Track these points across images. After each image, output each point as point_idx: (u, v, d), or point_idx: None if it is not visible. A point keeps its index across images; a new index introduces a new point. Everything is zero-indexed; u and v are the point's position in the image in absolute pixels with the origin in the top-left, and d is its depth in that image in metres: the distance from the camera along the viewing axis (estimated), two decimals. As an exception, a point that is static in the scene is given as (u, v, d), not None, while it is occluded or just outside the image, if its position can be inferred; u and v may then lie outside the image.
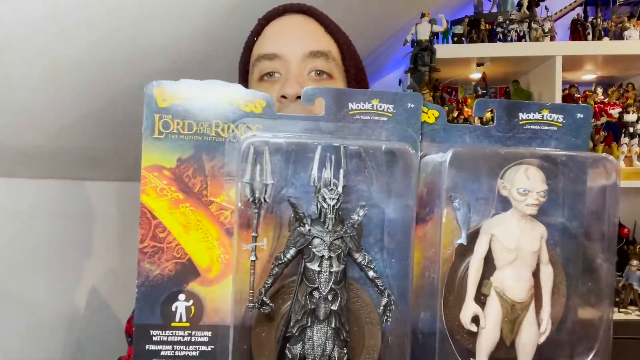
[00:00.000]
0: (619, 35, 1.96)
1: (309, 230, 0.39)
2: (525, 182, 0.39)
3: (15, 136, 0.95)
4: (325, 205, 0.39)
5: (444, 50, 1.89)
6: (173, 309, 0.41)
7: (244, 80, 0.80)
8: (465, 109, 2.15)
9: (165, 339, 0.42)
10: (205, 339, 0.41)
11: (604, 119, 2.01)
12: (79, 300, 1.27)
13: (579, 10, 2.23)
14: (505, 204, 0.41)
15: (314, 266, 0.39)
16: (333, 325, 0.39)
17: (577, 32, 2.01)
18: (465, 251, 0.40)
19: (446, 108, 1.99)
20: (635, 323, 1.78)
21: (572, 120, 0.43)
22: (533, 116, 0.43)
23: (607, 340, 0.40)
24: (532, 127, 0.43)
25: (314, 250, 0.39)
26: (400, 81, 2.41)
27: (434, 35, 1.87)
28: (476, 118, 2.04)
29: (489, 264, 0.40)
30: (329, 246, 0.39)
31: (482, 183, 0.42)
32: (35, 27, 0.74)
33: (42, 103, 0.90)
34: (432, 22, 1.84)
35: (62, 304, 1.22)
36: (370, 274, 0.40)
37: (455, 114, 2.03)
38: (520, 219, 0.40)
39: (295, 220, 0.40)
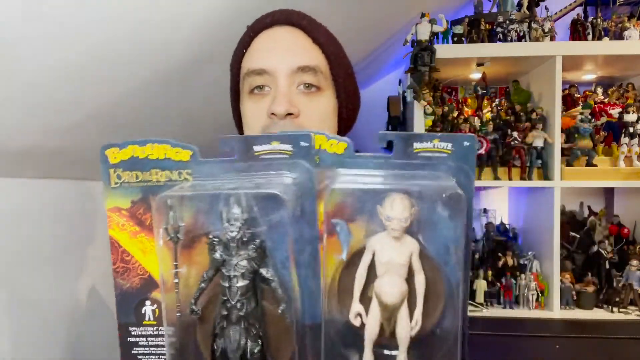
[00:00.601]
0: (619, 35, 1.96)
1: (220, 255, 0.52)
2: (390, 211, 0.49)
3: (15, 136, 0.95)
4: (228, 237, 0.51)
5: (444, 50, 1.89)
6: (142, 311, 0.56)
7: (236, 89, 0.81)
8: (465, 109, 2.16)
9: (140, 333, 0.56)
10: (170, 332, 0.54)
11: (604, 119, 2.01)
12: (80, 300, 1.27)
13: (579, 10, 2.23)
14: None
15: (225, 283, 0.52)
16: (242, 326, 0.52)
17: (577, 32, 2.01)
18: (355, 262, 0.51)
19: (446, 108, 1.99)
20: (635, 323, 1.78)
21: (460, 147, 0.50)
22: (426, 145, 0.51)
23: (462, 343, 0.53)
24: (425, 154, 0.51)
25: (223, 270, 0.52)
26: (400, 81, 2.41)
27: (434, 35, 1.88)
28: (476, 118, 2.04)
29: (372, 272, 0.51)
30: (234, 267, 0.51)
31: (366, 212, 0.51)
32: (35, 27, 0.74)
33: (42, 103, 0.90)
34: (432, 22, 1.84)
35: (62, 304, 1.22)
36: (272, 285, 0.52)
37: (455, 114, 2.03)
38: (392, 238, 0.50)
39: (210, 249, 0.52)
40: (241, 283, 0.51)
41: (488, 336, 1.66)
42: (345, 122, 0.82)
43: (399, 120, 2.37)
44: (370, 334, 0.50)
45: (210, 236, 0.52)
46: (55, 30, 0.77)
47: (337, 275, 0.51)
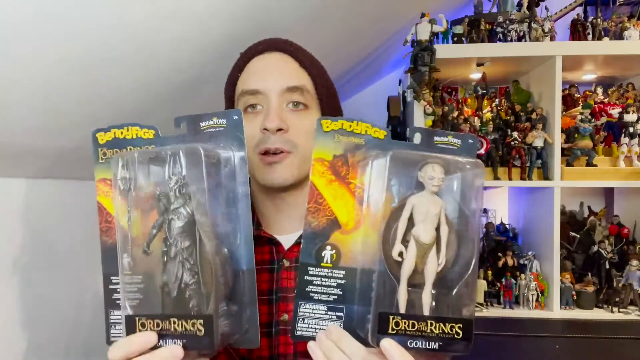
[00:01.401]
0: (619, 35, 1.96)
1: (164, 204, 0.62)
2: (432, 172, 0.64)
3: (15, 136, 0.95)
4: (168, 187, 0.62)
5: (444, 50, 1.89)
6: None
7: (230, 107, 0.90)
8: (465, 109, 2.16)
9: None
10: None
11: (604, 119, 2.01)
12: (80, 300, 1.27)
13: (579, 10, 2.23)
14: (420, 188, 0.65)
15: (165, 225, 0.62)
16: (179, 260, 0.61)
17: (577, 32, 2.01)
18: (397, 214, 0.65)
19: (446, 108, 1.99)
20: (635, 323, 1.78)
21: (466, 143, 0.67)
22: (443, 139, 0.67)
23: (474, 276, 0.65)
24: (442, 146, 0.67)
25: (165, 215, 0.62)
26: (400, 81, 2.41)
27: (434, 35, 1.88)
28: (476, 118, 2.04)
29: (411, 222, 0.64)
30: (172, 211, 0.62)
31: (408, 173, 0.66)
32: (35, 27, 0.74)
33: (42, 103, 0.90)
34: (432, 22, 1.84)
35: (62, 304, 1.22)
36: (204, 228, 0.62)
37: (455, 114, 2.03)
38: (429, 195, 0.65)
39: (157, 200, 0.63)
40: (178, 224, 0.61)
41: (488, 336, 1.66)
42: None
43: (399, 120, 2.37)
44: (407, 268, 0.63)
45: (157, 191, 0.63)
46: (56, 31, 0.77)
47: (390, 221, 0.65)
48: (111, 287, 0.66)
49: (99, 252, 0.68)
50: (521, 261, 1.99)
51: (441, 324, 0.62)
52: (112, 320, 0.67)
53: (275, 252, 0.84)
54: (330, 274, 0.65)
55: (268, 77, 0.83)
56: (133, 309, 0.62)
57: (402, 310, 0.62)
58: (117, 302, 0.65)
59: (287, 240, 0.85)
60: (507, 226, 2.24)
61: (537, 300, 1.88)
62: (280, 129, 0.80)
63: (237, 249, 0.64)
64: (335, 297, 0.65)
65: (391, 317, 0.61)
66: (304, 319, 0.65)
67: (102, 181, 0.68)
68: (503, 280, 1.92)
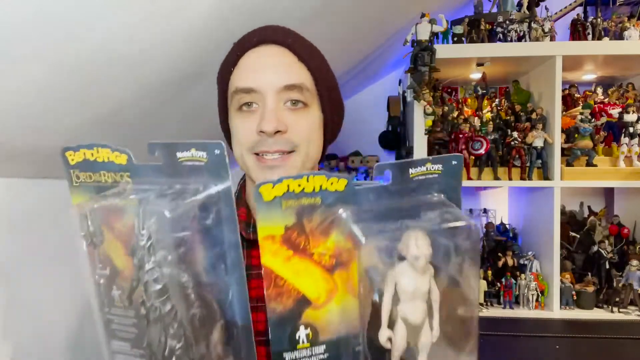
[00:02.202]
0: (619, 35, 1.96)
1: (138, 261, 0.53)
2: (415, 250, 0.52)
3: (15, 136, 0.95)
4: (140, 244, 0.52)
5: (444, 50, 1.89)
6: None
7: (224, 105, 0.83)
8: (465, 109, 2.16)
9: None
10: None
11: (604, 119, 2.01)
12: (80, 300, 1.27)
13: (579, 10, 2.23)
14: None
15: (141, 286, 0.53)
16: (160, 326, 0.53)
17: (577, 32, 2.01)
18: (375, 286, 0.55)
19: (446, 108, 1.99)
20: (635, 323, 1.78)
21: (449, 166, 0.57)
22: (420, 170, 0.56)
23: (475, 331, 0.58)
24: (420, 178, 0.56)
25: (139, 274, 0.53)
26: (400, 81, 2.41)
27: (434, 35, 1.87)
28: (476, 118, 2.05)
29: (396, 297, 0.54)
30: (147, 272, 0.52)
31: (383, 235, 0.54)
32: (35, 27, 0.74)
33: (42, 103, 0.90)
34: (432, 22, 1.84)
35: (62, 304, 1.22)
36: (187, 292, 0.54)
37: (455, 114, 2.03)
38: (414, 269, 0.54)
39: (131, 255, 0.54)
40: (154, 287, 0.52)
41: (488, 336, 1.66)
42: (331, 133, 0.85)
43: (399, 120, 2.37)
44: (398, 349, 0.55)
45: (129, 244, 0.53)
46: (56, 31, 0.77)
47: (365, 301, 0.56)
48: (109, 316, 0.59)
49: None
50: (521, 261, 1.99)
51: None
52: (113, 349, 0.59)
53: None
54: (310, 354, 0.57)
55: (264, 74, 0.76)
56: (130, 342, 0.56)
57: None
58: (116, 331, 0.59)
59: None
60: (507, 226, 2.24)
61: (537, 300, 1.88)
62: (277, 131, 0.75)
63: (230, 306, 0.56)
64: None
65: None
66: None
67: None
68: (503, 280, 1.92)
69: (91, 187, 0.59)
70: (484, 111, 2.14)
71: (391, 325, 0.55)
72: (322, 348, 0.57)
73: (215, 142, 0.54)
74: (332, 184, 0.54)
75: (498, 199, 2.41)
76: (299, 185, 0.54)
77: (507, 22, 1.96)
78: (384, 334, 0.54)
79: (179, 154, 0.55)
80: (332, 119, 0.84)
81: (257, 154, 0.77)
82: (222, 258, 0.55)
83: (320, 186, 0.54)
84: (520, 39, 1.96)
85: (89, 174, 0.59)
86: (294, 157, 0.77)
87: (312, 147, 0.79)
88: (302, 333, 0.56)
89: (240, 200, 0.85)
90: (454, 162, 0.57)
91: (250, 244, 0.79)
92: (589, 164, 1.92)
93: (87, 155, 0.58)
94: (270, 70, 0.77)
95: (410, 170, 0.56)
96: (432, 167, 0.56)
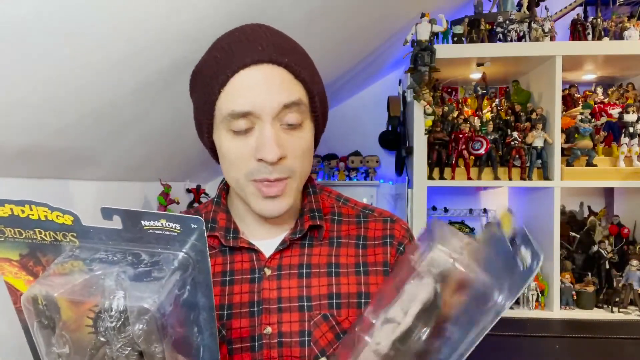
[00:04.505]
0: (619, 35, 1.96)
1: (102, 337, 0.49)
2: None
3: (15, 135, 0.95)
4: (107, 326, 0.48)
5: (444, 50, 1.89)
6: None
7: (208, 120, 0.75)
8: (465, 109, 2.16)
9: None
10: None
11: (604, 119, 2.01)
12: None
13: (579, 10, 2.23)
14: None
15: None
16: None
17: (577, 32, 2.01)
18: None
19: (446, 108, 1.99)
20: (635, 323, 1.78)
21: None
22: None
23: None
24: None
25: (107, 351, 0.49)
26: (400, 81, 2.41)
27: (434, 35, 1.88)
28: (476, 118, 2.05)
29: None
30: (116, 350, 0.48)
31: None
32: (35, 27, 0.74)
33: (42, 103, 0.90)
34: (432, 22, 1.84)
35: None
36: None
37: (455, 114, 2.03)
38: None
39: (92, 332, 0.49)
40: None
41: (488, 336, 1.66)
42: (316, 145, 0.81)
43: (399, 120, 2.37)
44: None
45: (89, 323, 0.48)
46: (56, 31, 0.77)
47: None
48: None
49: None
50: (521, 261, 1.99)
51: None
52: None
53: (256, 259, 0.76)
54: None
55: (260, 96, 0.69)
56: None
57: None
58: None
59: (267, 246, 0.76)
60: (507, 226, 2.24)
61: (537, 300, 1.89)
62: (281, 159, 0.70)
63: None
64: None
65: None
66: None
67: (6, 261, 0.53)
68: (503, 280, 1.92)
69: (22, 244, 0.52)
70: (484, 111, 2.14)
71: None
72: None
73: (195, 218, 0.49)
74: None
75: (498, 199, 2.41)
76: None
77: (507, 22, 1.96)
78: None
79: (145, 222, 0.50)
80: (320, 131, 0.80)
81: (254, 180, 0.71)
82: (195, 321, 0.52)
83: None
84: (520, 39, 1.96)
85: (19, 230, 0.52)
86: (290, 184, 0.72)
87: (306, 168, 0.75)
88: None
89: (220, 205, 0.81)
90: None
91: (231, 250, 0.77)
92: (589, 164, 1.92)
93: (17, 212, 0.51)
94: (267, 92, 0.70)
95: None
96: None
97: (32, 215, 0.51)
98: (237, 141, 0.71)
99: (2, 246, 0.53)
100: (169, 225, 0.49)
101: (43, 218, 0.51)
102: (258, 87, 0.70)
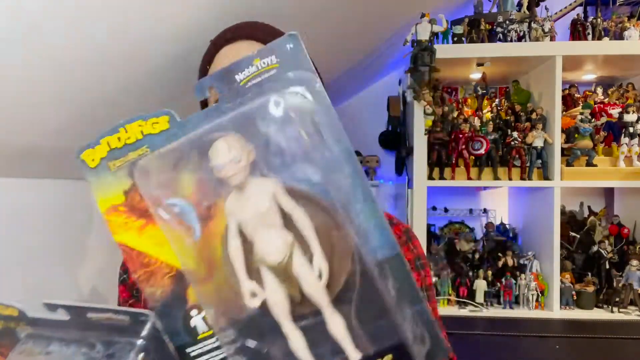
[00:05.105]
0: (619, 35, 1.96)
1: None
2: (215, 159, 0.41)
3: (15, 135, 0.95)
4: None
5: (444, 50, 1.89)
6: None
7: (204, 104, 0.83)
8: (465, 109, 2.16)
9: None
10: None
11: (604, 119, 2.01)
12: (80, 299, 1.27)
13: (579, 10, 2.23)
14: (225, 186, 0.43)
15: None
16: None
17: (577, 32, 2.01)
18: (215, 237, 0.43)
19: (446, 108, 1.99)
20: (635, 323, 1.78)
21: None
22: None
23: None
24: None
25: None
26: (400, 81, 2.41)
27: (434, 35, 1.87)
28: (476, 118, 2.04)
29: (245, 241, 0.42)
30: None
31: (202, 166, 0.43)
32: (35, 26, 0.74)
33: (42, 102, 0.90)
34: (432, 22, 1.84)
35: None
36: None
37: (455, 114, 2.03)
38: (241, 190, 0.41)
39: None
40: None
41: (488, 336, 1.66)
42: None
43: (399, 120, 2.37)
44: (280, 308, 0.42)
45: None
46: (55, 32, 0.77)
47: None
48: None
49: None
50: (521, 261, 1.99)
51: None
52: None
53: None
54: (217, 344, 0.45)
55: None
56: None
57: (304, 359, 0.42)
58: None
59: None
60: (507, 226, 2.24)
61: (537, 300, 1.88)
62: None
63: None
64: None
65: None
66: None
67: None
68: (503, 280, 1.92)
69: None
70: (484, 111, 2.14)
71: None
72: (231, 333, 0.44)
73: (145, 313, 0.45)
74: (154, 124, 0.46)
75: (498, 199, 2.41)
76: (119, 139, 0.46)
77: (507, 22, 1.96)
78: (246, 288, 0.41)
79: (239, 76, 0.45)
80: None
81: None
82: None
83: (142, 131, 0.46)
84: (520, 39, 1.96)
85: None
86: None
87: None
88: (196, 320, 0.45)
89: None
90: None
91: None
92: (589, 164, 1.92)
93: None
94: None
95: (237, 77, 0.44)
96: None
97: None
98: None
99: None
100: (117, 316, 0.45)
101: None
102: (234, 58, 0.73)
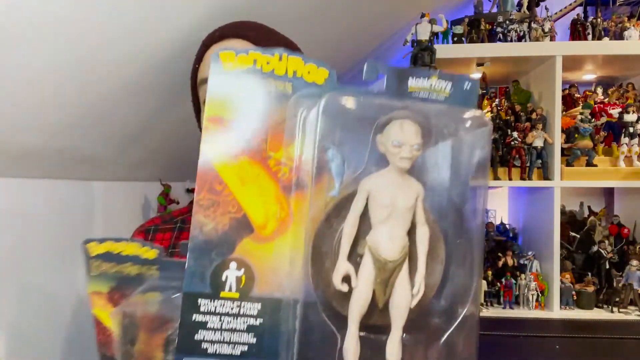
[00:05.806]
0: (619, 35, 1.96)
1: None
2: (399, 135, 0.40)
3: (15, 135, 0.95)
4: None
5: (444, 50, 1.89)
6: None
7: (197, 103, 0.86)
8: (465, 109, 2.15)
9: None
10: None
11: (604, 119, 2.01)
12: (79, 300, 1.27)
13: (579, 10, 2.23)
14: (381, 163, 0.41)
15: None
16: None
17: (577, 32, 2.01)
18: (339, 210, 0.39)
19: (446, 108, 1.99)
20: (635, 323, 1.78)
21: (459, 90, 0.43)
22: (421, 85, 0.43)
23: (476, 297, 0.42)
24: (421, 95, 0.43)
25: None
26: (400, 81, 2.41)
27: (434, 35, 1.87)
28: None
29: (365, 224, 0.40)
30: None
31: (358, 137, 0.41)
32: (35, 26, 0.74)
33: (42, 102, 0.90)
34: (432, 22, 1.84)
35: (62, 304, 1.22)
36: None
37: (455, 114, 2.03)
38: (397, 175, 0.40)
39: None
40: None
41: (488, 336, 1.66)
42: None
43: (399, 120, 2.37)
44: (359, 303, 0.39)
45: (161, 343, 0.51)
46: (55, 31, 0.77)
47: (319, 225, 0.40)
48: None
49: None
50: (521, 261, 1.99)
51: None
52: None
53: None
54: (237, 310, 0.41)
55: None
56: None
57: None
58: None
59: None
60: (507, 226, 2.24)
61: (537, 300, 1.88)
62: None
63: None
64: (245, 348, 0.40)
65: None
66: None
67: (96, 294, 0.56)
68: (503, 280, 1.92)
69: (111, 277, 0.56)
70: (484, 111, 2.14)
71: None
72: (257, 308, 0.40)
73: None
74: (309, 72, 0.43)
75: (498, 199, 2.41)
76: (268, 63, 0.42)
77: (507, 22, 1.96)
78: (340, 269, 0.38)
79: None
80: None
81: None
82: None
83: (295, 72, 0.42)
84: (520, 39, 1.96)
85: (112, 265, 0.55)
86: None
87: None
88: (232, 274, 0.41)
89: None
90: (467, 86, 0.42)
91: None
92: (589, 164, 1.92)
93: (112, 248, 0.56)
94: None
95: (410, 82, 0.43)
96: (438, 85, 0.42)
97: (124, 251, 0.54)
98: None
99: (96, 280, 0.56)
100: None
101: (133, 254, 0.53)
102: None
